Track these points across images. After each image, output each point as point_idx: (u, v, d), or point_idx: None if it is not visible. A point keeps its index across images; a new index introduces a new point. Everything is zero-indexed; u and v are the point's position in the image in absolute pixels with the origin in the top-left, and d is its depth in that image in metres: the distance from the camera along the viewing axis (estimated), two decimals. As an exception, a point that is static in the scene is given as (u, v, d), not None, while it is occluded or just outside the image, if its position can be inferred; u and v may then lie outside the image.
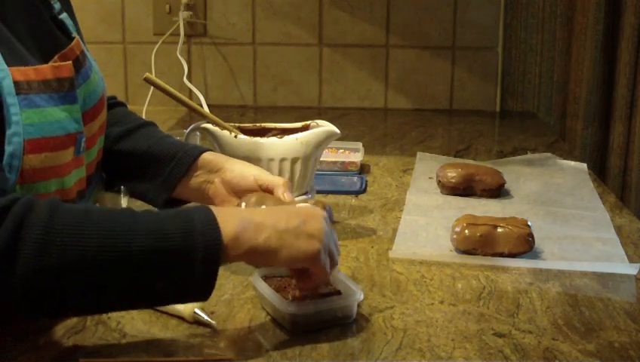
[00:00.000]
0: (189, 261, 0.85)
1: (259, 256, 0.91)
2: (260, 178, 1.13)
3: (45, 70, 0.97)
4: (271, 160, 1.26)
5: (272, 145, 1.26)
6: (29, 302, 0.83)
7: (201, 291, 0.87)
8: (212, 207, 0.90)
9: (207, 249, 0.85)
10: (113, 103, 1.29)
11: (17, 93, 0.92)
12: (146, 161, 1.19)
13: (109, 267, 0.83)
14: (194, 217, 0.87)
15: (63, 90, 0.98)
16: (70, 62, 1.01)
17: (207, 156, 1.18)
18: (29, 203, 0.83)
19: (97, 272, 0.83)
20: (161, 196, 1.17)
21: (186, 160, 1.17)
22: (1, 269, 0.80)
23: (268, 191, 1.11)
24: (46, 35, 1.05)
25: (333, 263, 0.96)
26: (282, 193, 1.08)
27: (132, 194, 1.23)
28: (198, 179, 1.17)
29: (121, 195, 1.23)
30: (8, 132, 0.91)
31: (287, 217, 0.92)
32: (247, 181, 1.14)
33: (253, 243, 0.89)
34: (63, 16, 1.11)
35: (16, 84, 0.92)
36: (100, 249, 0.82)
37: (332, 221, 1.04)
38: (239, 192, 1.14)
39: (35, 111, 0.94)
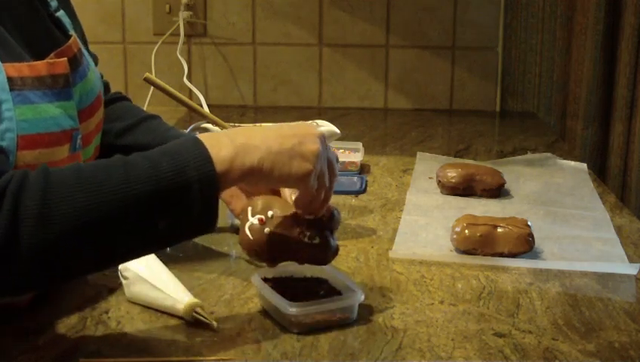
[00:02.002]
0: (186, 197, 0.85)
1: (253, 178, 0.91)
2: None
3: (39, 66, 0.97)
4: (271, 160, 1.25)
5: (272, 145, 1.26)
6: (40, 273, 0.84)
7: (205, 223, 0.88)
8: (203, 136, 0.90)
9: (203, 182, 0.86)
10: (117, 98, 1.29)
11: (11, 89, 0.92)
12: None
13: (110, 220, 0.84)
14: (184, 152, 0.87)
15: (58, 87, 0.98)
16: (65, 58, 1.01)
17: None
18: (22, 178, 0.83)
19: (99, 229, 0.83)
20: None
21: None
22: (8, 249, 0.80)
23: (275, 190, 1.10)
24: (42, 33, 1.05)
25: (322, 184, 0.95)
26: (290, 194, 1.06)
27: None
28: None
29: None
30: (1, 127, 0.91)
31: (282, 138, 0.92)
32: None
33: (247, 166, 0.89)
34: (60, 13, 1.11)
35: (9, 79, 0.92)
36: (98, 206, 0.83)
37: (337, 226, 1.02)
38: (247, 189, 1.14)
39: (28, 108, 0.94)
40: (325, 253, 1.00)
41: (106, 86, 1.30)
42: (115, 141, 1.21)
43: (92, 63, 1.15)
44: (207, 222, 0.88)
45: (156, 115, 1.28)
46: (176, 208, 0.86)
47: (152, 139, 1.20)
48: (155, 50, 2.16)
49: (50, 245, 0.82)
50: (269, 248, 0.98)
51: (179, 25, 2.16)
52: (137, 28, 2.22)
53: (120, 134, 1.21)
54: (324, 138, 0.95)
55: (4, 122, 0.91)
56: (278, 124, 1.02)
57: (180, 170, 0.86)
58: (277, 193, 1.09)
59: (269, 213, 0.99)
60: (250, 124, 1.34)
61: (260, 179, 0.91)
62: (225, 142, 0.90)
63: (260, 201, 1.02)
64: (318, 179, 0.94)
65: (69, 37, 1.09)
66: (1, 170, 0.87)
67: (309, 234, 0.98)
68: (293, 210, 0.99)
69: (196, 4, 2.20)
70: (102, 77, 1.25)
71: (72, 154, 1.01)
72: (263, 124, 1.35)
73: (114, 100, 1.27)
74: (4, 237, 0.80)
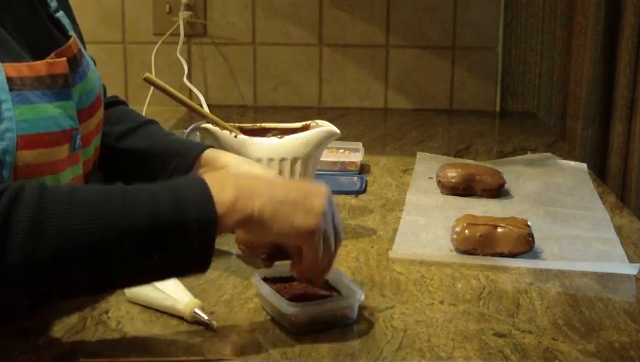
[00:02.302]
0: (183, 235, 0.84)
1: (252, 226, 0.88)
2: None
3: (39, 66, 0.96)
4: (271, 160, 1.26)
5: (272, 145, 1.26)
6: (24, 287, 0.83)
7: (199, 264, 0.87)
8: (207, 175, 0.89)
9: (201, 222, 0.84)
10: (114, 102, 1.29)
11: (10, 89, 0.92)
12: (149, 159, 1.19)
13: (103, 246, 0.82)
14: (186, 189, 0.86)
15: (57, 87, 0.98)
16: (64, 58, 1.01)
17: (210, 153, 1.17)
18: (17, 191, 0.83)
19: (92, 254, 0.82)
20: None
21: (188, 157, 1.16)
22: None
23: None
24: (42, 33, 1.05)
25: (327, 248, 0.91)
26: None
27: None
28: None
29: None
30: (1, 127, 0.91)
31: (287, 189, 0.90)
32: None
33: (247, 211, 0.86)
34: (60, 14, 1.11)
35: (9, 80, 0.92)
36: (92, 231, 0.82)
37: None
38: None
39: (28, 108, 0.94)
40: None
41: (103, 89, 1.30)
42: (115, 144, 1.21)
43: (92, 63, 1.15)
44: (202, 262, 0.86)
45: (154, 120, 1.28)
46: (172, 245, 0.84)
47: (152, 142, 1.20)
48: (155, 50, 2.16)
49: (38, 261, 0.81)
50: (266, 245, 0.98)
51: (179, 25, 2.16)
52: (137, 28, 2.22)
53: (120, 138, 1.21)
54: (331, 198, 0.92)
55: (4, 122, 0.91)
56: (284, 178, 1.00)
57: (180, 207, 0.84)
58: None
59: None
60: (251, 124, 1.34)
61: (260, 227, 0.88)
62: (228, 184, 0.88)
63: None
64: (323, 241, 0.90)
65: (68, 37, 1.09)
66: None
67: None
68: None
69: (196, 4, 2.20)
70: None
71: (71, 154, 1.01)
72: (264, 124, 1.35)
73: (113, 104, 1.27)
74: None
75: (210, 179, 0.88)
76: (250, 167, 1.14)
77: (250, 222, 0.87)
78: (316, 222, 0.89)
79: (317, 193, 0.91)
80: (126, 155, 1.21)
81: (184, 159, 1.16)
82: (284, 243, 0.94)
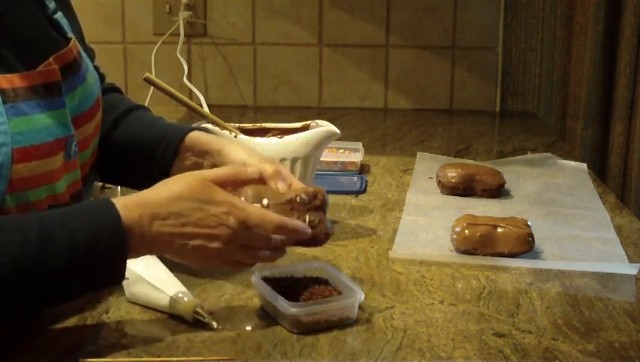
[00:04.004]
0: (96, 265, 0.88)
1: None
2: (250, 164, 1.07)
3: (32, 76, 0.96)
4: (271, 160, 1.26)
5: (272, 145, 1.26)
6: None
7: (112, 282, 0.92)
8: (119, 207, 0.90)
9: (113, 251, 0.88)
10: (109, 89, 1.27)
11: (4, 102, 0.91)
12: (137, 147, 1.17)
13: (19, 283, 0.85)
14: (100, 228, 0.88)
15: (50, 96, 0.97)
16: (56, 66, 1.00)
17: (193, 136, 1.14)
18: None
19: (5, 289, 0.85)
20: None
21: (173, 142, 1.14)
22: None
23: (260, 180, 1.05)
24: (41, 36, 1.03)
25: (249, 254, 0.96)
26: (275, 184, 1.03)
27: (126, 185, 1.23)
28: (187, 161, 1.14)
29: (118, 188, 1.23)
30: None
31: (193, 227, 0.92)
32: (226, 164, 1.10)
33: (157, 253, 0.96)
34: (58, 15, 1.09)
35: (2, 92, 0.91)
36: (9, 268, 0.84)
37: (325, 210, 1.03)
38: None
39: (22, 120, 0.93)
40: (326, 235, 1.01)
41: (102, 78, 1.28)
42: (106, 135, 1.18)
43: (91, 66, 1.14)
44: (116, 281, 0.92)
45: (143, 106, 1.25)
46: (87, 276, 0.89)
47: (140, 130, 1.18)
48: (155, 50, 2.16)
49: None
50: None
51: (179, 25, 2.16)
52: (137, 28, 2.22)
53: (110, 128, 1.19)
54: (237, 203, 0.95)
55: (0, 136, 0.90)
56: (195, 202, 0.95)
57: (94, 243, 0.87)
58: (262, 182, 1.04)
59: (264, 202, 0.99)
60: (251, 124, 1.34)
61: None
62: (135, 236, 0.90)
63: (249, 190, 1.01)
64: (240, 251, 0.95)
65: (67, 39, 1.07)
66: None
67: (310, 219, 0.99)
68: (285, 197, 1.00)
69: (196, 4, 2.20)
70: (98, 69, 1.24)
71: (66, 161, 1.00)
72: (264, 124, 1.35)
73: (105, 91, 1.23)
74: None
75: (124, 215, 0.89)
76: (236, 154, 1.10)
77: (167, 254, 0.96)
78: (207, 263, 0.96)
79: (217, 229, 0.93)
80: (115, 145, 1.18)
81: (170, 145, 1.14)
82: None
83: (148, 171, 1.15)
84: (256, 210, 0.96)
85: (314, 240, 1.00)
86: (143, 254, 0.94)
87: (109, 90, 1.27)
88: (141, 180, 1.15)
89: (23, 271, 0.85)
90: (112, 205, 0.89)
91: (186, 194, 0.93)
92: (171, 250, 0.93)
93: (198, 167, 1.12)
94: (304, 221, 0.99)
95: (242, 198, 1.00)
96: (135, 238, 0.90)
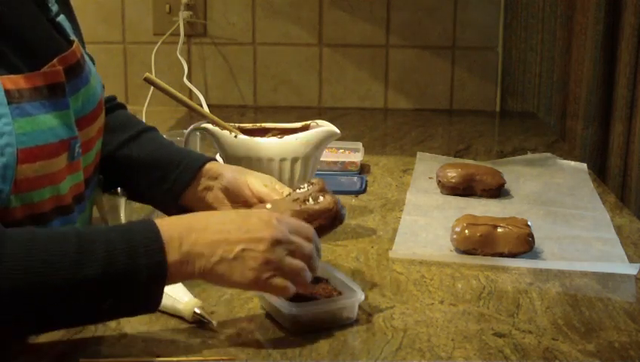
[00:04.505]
0: (134, 282, 0.85)
1: (210, 279, 0.91)
2: (253, 186, 1.15)
3: (36, 77, 0.96)
4: (271, 160, 1.26)
5: (272, 145, 1.26)
6: None
7: (147, 308, 0.89)
8: (160, 225, 0.89)
9: (151, 270, 0.86)
10: (114, 106, 1.29)
11: (9, 103, 0.91)
12: (151, 168, 1.20)
13: (55, 293, 0.83)
14: (137, 238, 0.86)
15: (55, 97, 0.98)
16: (60, 68, 1.00)
17: (209, 165, 1.19)
18: None
19: (42, 298, 0.83)
20: (169, 204, 1.18)
21: (190, 168, 1.18)
22: None
23: (262, 201, 1.13)
24: (43, 39, 1.03)
25: (291, 272, 0.91)
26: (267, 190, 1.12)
27: (133, 198, 1.23)
28: (200, 186, 1.17)
29: (119, 196, 1.23)
30: (1, 143, 0.90)
31: (230, 242, 0.90)
32: (240, 188, 1.15)
33: (188, 272, 0.88)
34: (61, 18, 1.09)
35: (7, 93, 0.91)
36: (46, 277, 0.82)
37: (343, 218, 1.08)
38: (235, 199, 1.16)
39: (27, 120, 0.93)
40: (340, 209, 1.07)
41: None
42: (117, 151, 1.21)
43: (93, 68, 1.14)
44: (149, 306, 0.89)
45: (154, 127, 1.29)
46: (123, 291, 0.85)
47: (154, 151, 1.21)
48: (155, 50, 2.16)
49: None
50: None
51: (179, 25, 2.16)
52: (137, 28, 2.22)
53: (121, 145, 1.21)
54: (281, 219, 0.93)
55: (4, 137, 0.90)
56: (235, 214, 0.97)
57: (132, 256, 0.85)
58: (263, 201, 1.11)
59: (268, 206, 1.06)
60: (251, 124, 1.34)
61: (217, 281, 0.91)
62: (174, 244, 0.88)
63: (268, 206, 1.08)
64: (282, 270, 0.91)
65: (70, 42, 1.07)
66: None
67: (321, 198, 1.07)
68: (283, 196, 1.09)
69: (196, 4, 2.20)
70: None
71: (70, 163, 1.01)
72: (264, 124, 1.35)
73: (112, 109, 1.27)
74: None
75: (163, 229, 0.88)
76: (240, 176, 1.17)
77: (204, 277, 0.90)
78: (254, 273, 0.89)
79: (261, 239, 0.90)
80: (127, 163, 1.21)
81: (187, 170, 1.18)
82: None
83: (158, 191, 1.19)
84: (292, 218, 0.98)
85: (336, 217, 1.06)
86: (182, 268, 0.88)
87: (116, 107, 1.29)
88: (145, 198, 1.22)
89: (58, 281, 0.83)
90: (152, 221, 0.90)
91: (223, 212, 0.97)
92: (214, 257, 0.89)
93: (207, 190, 1.17)
94: (316, 200, 1.05)
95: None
96: (174, 244, 0.87)
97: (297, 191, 1.08)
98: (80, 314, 0.87)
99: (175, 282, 0.90)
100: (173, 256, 0.87)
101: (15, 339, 0.91)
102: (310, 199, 1.06)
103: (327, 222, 1.06)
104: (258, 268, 0.89)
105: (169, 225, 0.89)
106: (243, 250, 0.89)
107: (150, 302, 0.88)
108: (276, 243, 0.90)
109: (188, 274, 0.89)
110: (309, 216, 1.04)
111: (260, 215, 0.94)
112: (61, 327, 0.92)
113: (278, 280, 0.91)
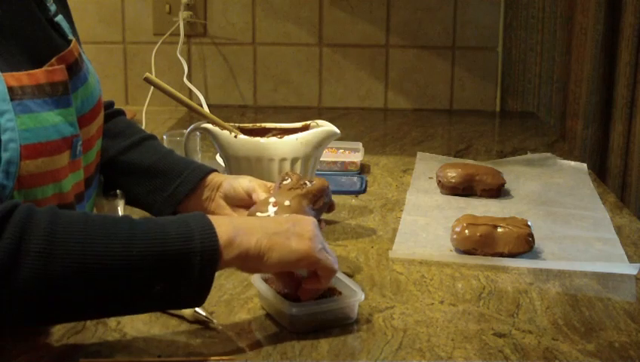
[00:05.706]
0: (188, 265, 0.85)
1: (250, 260, 0.90)
2: (241, 185, 1.18)
3: (38, 74, 0.96)
4: (271, 160, 1.26)
5: (272, 145, 1.26)
6: (30, 310, 0.83)
7: (197, 295, 0.88)
8: (206, 214, 0.91)
9: (205, 253, 0.86)
10: (114, 112, 1.30)
11: (12, 99, 0.92)
12: (152, 176, 1.22)
13: (111, 272, 0.83)
14: (191, 222, 0.88)
15: (57, 95, 0.98)
16: (63, 65, 1.01)
17: (210, 176, 1.21)
18: (28, 211, 0.83)
19: (98, 278, 0.83)
20: (167, 212, 1.19)
21: (192, 178, 1.20)
22: (4, 280, 0.79)
23: (251, 196, 1.18)
24: (42, 39, 1.04)
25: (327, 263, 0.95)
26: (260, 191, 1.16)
27: (131, 203, 1.24)
28: (201, 197, 1.20)
29: (118, 199, 1.24)
30: (4, 138, 0.91)
31: (277, 222, 0.94)
32: (238, 194, 1.19)
33: (245, 246, 0.89)
34: (59, 18, 1.10)
35: (10, 89, 0.92)
36: (102, 256, 0.82)
37: (330, 201, 1.15)
38: (234, 203, 1.19)
39: (29, 117, 0.94)
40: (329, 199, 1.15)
41: None
42: (118, 157, 1.23)
43: (91, 67, 1.15)
44: (200, 294, 0.88)
45: (154, 135, 1.30)
46: (176, 273, 0.85)
47: (157, 159, 1.23)
48: (155, 50, 2.16)
49: (48, 283, 0.81)
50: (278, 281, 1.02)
51: (179, 25, 2.16)
52: (137, 28, 2.22)
53: (123, 151, 1.23)
54: (317, 226, 0.96)
55: (7, 133, 0.91)
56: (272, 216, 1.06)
57: (187, 237, 0.86)
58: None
59: (271, 200, 1.10)
60: (251, 124, 1.34)
61: (258, 260, 0.90)
62: (225, 222, 0.90)
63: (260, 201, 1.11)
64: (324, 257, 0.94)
65: (68, 41, 1.08)
66: None
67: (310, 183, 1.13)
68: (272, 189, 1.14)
69: (196, 4, 2.20)
70: None
71: (72, 161, 1.01)
72: (264, 124, 1.35)
73: (112, 115, 1.28)
74: (3, 266, 0.79)
75: (210, 217, 0.90)
76: (238, 182, 1.19)
77: (247, 256, 0.90)
78: (310, 242, 0.93)
79: (304, 220, 0.96)
80: (128, 169, 1.23)
81: (189, 180, 1.20)
82: (292, 269, 0.97)
83: (157, 197, 1.21)
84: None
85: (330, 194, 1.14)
86: (233, 249, 0.89)
87: (115, 113, 1.31)
88: (144, 203, 1.23)
89: (110, 261, 0.83)
90: (202, 213, 0.92)
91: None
92: (270, 230, 0.91)
93: (209, 200, 1.21)
94: (304, 183, 1.11)
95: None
96: (226, 225, 0.89)
97: (283, 182, 1.13)
98: (129, 299, 0.86)
99: (225, 267, 0.90)
100: (224, 231, 0.88)
101: (64, 323, 0.94)
102: (304, 183, 1.11)
103: (328, 198, 1.14)
104: (312, 239, 0.93)
105: (216, 218, 0.91)
106: (294, 224, 0.94)
107: (201, 288, 0.87)
108: (316, 226, 0.95)
109: (238, 251, 0.89)
110: (314, 196, 1.11)
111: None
112: (108, 314, 0.92)
113: (328, 255, 0.95)
